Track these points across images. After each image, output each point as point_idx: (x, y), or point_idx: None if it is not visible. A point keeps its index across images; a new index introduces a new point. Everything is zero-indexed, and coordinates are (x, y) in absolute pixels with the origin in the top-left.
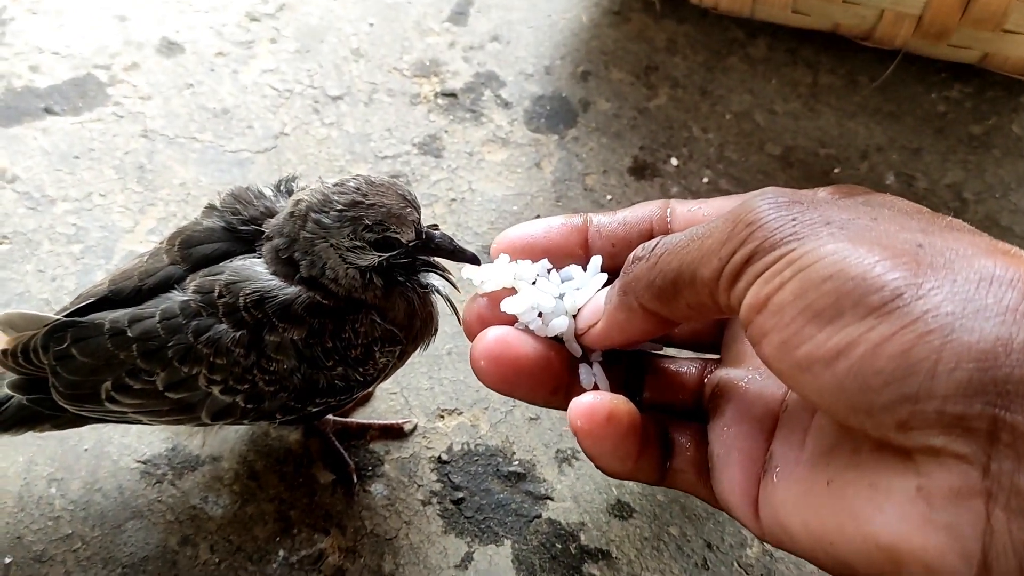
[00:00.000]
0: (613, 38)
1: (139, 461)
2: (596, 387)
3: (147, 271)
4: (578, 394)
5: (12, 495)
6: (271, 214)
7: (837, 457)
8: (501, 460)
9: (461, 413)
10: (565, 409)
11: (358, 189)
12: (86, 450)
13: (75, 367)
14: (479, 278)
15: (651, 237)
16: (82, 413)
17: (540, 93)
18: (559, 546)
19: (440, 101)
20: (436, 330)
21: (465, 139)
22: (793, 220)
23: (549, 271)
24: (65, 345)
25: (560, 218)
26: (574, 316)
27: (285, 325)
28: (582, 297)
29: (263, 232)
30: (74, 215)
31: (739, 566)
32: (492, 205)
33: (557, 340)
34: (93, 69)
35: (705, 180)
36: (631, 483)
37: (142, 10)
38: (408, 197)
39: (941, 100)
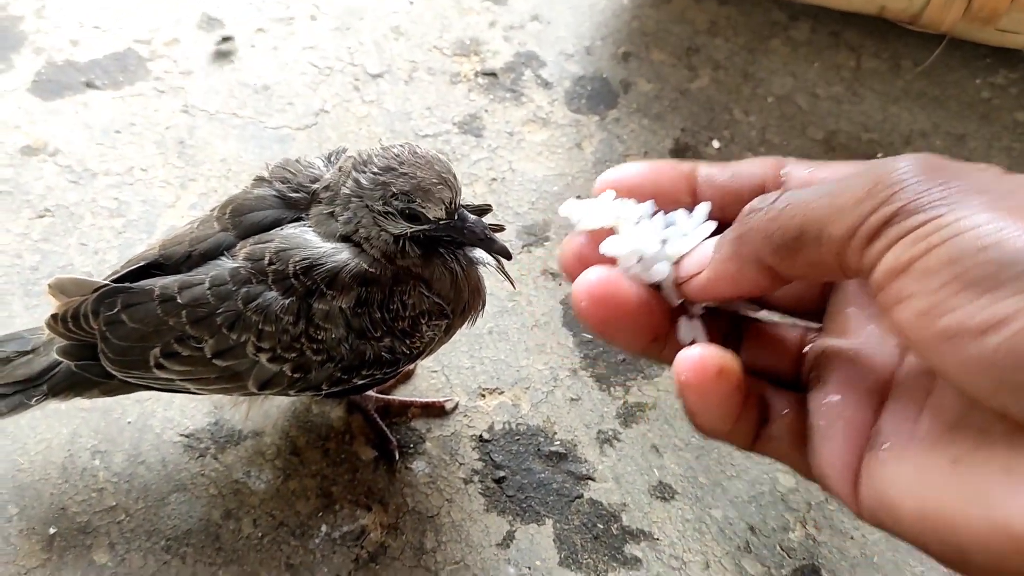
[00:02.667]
0: (654, 19)
1: (182, 435)
2: (694, 341)
3: (198, 237)
4: (675, 348)
5: (56, 467)
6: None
7: (962, 436)
8: (542, 440)
9: (502, 392)
10: (660, 360)
11: (397, 156)
12: (129, 423)
13: (125, 333)
14: (578, 215)
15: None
16: (130, 380)
17: (581, 73)
18: (600, 526)
19: (480, 80)
20: (484, 304)
21: (505, 119)
22: (942, 185)
23: (653, 215)
24: (115, 310)
25: (669, 162)
26: (676, 263)
27: (333, 292)
28: (687, 244)
29: (313, 198)
30: (115, 189)
31: (781, 549)
32: (532, 185)
33: (655, 288)
34: (133, 44)
35: None
36: (673, 465)
37: None
38: (444, 174)
39: (986, 86)
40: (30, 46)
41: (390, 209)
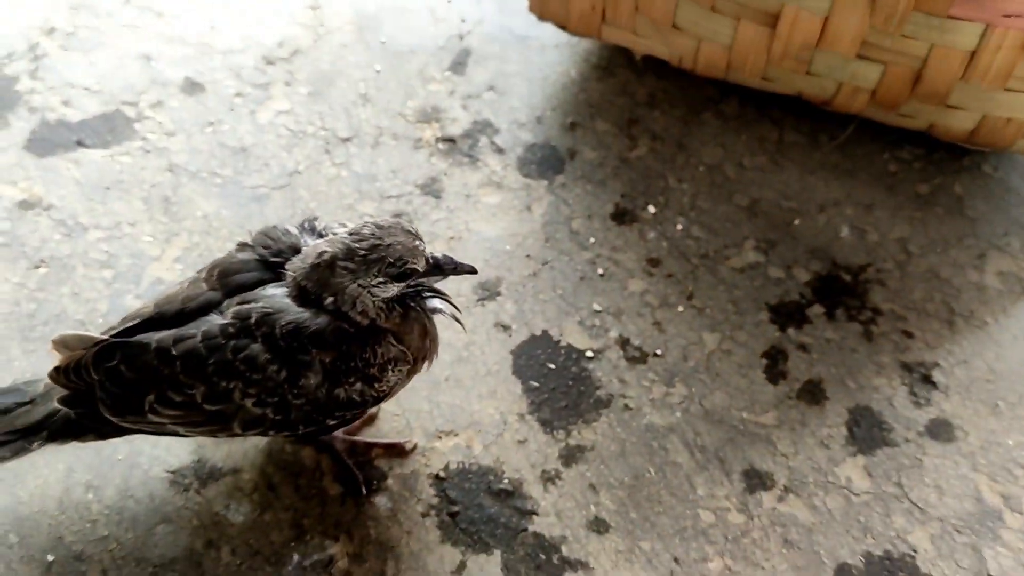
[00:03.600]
0: (599, 91)
1: (168, 471)
2: None
3: (188, 296)
4: None
5: (53, 499)
6: (296, 249)
7: None
8: (492, 478)
9: (457, 435)
10: None
11: (373, 235)
12: (120, 459)
13: (122, 382)
14: None
15: None
16: (124, 424)
17: (532, 141)
18: (543, 556)
19: (440, 146)
20: (437, 349)
21: (463, 182)
22: None
23: None
24: (114, 362)
25: None
26: None
27: (316, 350)
28: None
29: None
30: (105, 242)
31: None
32: (487, 244)
33: None
34: (121, 105)
35: (679, 227)
36: (607, 502)
37: (166, 50)
38: (413, 231)
39: (893, 160)
40: (24, 105)
41: (384, 278)
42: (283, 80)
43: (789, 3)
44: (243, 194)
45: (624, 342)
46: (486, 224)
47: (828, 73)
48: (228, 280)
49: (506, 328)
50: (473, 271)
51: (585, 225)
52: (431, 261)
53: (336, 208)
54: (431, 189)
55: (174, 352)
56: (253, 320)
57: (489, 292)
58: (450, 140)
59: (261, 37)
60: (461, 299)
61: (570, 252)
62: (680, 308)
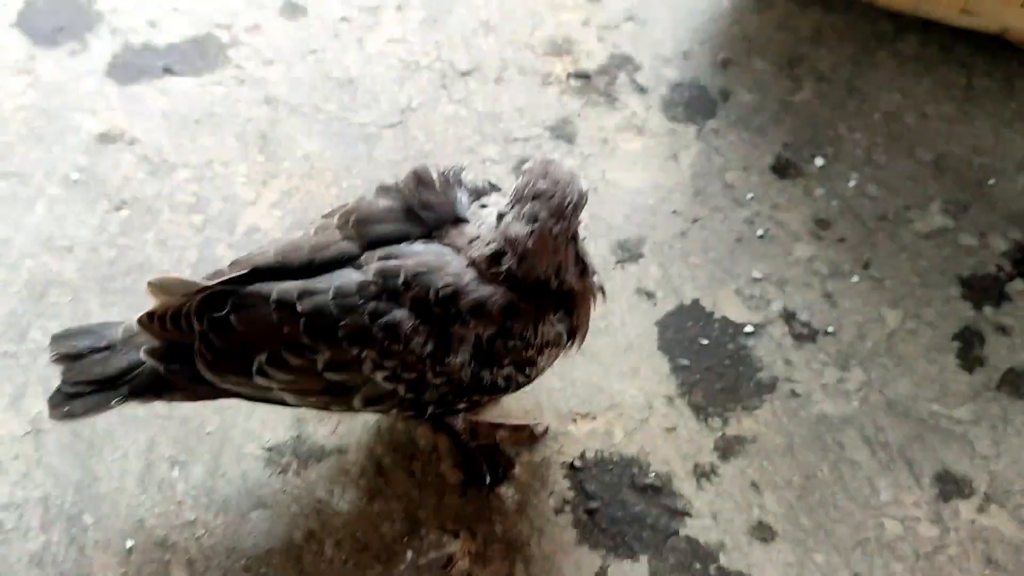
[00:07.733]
0: (756, 25)
1: (263, 448)
2: None
3: (318, 245)
4: None
5: (133, 476)
6: (449, 202)
7: None
8: (636, 471)
9: (594, 418)
10: None
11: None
12: (209, 433)
13: (230, 336)
14: None
15: None
16: (223, 386)
17: (678, 80)
18: (698, 566)
19: (573, 82)
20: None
21: (599, 125)
22: None
23: None
24: (223, 313)
25: None
26: None
27: (476, 321)
28: None
29: (441, 218)
30: (195, 183)
31: None
32: (627, 197)
33: None
34: (213, 28)
35: (852, 183)
36: (773, 504)
37: None
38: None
39: None
40: (106, 26)
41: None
42: (394, 4)
43: None
44: (349, 132)
45: (789, 316)
46: (626, 174)
47: None
48: (367, 230)
49: (650, 295)
50: None
51: (741, 178)
52: None
53: (455, 151)
54: (562, 132)
55: (299, 308)
56: (401, 280)
57: (630, 253)
58: (584, 76)
59: None
60: (598, 259)
61: (724, 209)
62: (855, 279)
